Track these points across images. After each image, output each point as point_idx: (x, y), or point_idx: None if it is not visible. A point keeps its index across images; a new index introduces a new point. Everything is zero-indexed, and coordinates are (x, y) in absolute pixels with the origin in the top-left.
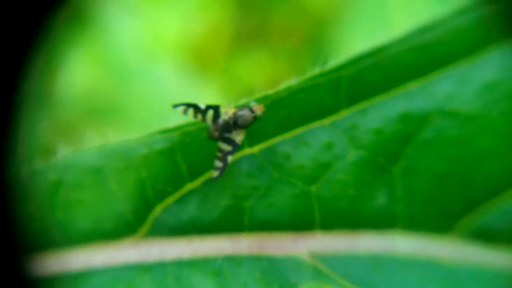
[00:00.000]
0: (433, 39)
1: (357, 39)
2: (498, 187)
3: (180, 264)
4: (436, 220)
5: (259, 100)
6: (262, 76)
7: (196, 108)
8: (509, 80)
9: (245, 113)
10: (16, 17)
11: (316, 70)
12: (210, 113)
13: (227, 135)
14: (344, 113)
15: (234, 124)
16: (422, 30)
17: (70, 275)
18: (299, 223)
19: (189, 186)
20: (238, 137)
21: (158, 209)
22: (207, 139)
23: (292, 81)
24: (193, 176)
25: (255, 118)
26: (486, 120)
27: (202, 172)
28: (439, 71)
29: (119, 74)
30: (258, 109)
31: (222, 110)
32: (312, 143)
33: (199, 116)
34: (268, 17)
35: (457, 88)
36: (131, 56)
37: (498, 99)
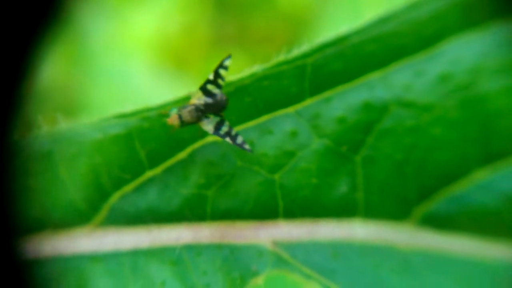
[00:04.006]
0: (391, 31)
1: None
2: (451, 176)
3: (137, 254)
4: (394, 207)
5: (224, 87)
6: None
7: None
8: (461, 73)
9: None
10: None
11: (281, 57)
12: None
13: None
14: (308, 102)
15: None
16: (382, 21)
17: (17, 264)
18: (262, 211)
19: (148, 174)
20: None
21: (114, 197)
22: (167, 126)
23: (256, 68)
24: (153, 164)
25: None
26: (440, 111)
27: (163, 160)
28: (398, 62)
29: (92, 72)
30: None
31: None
32: (276, 131)
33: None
34: (247, 22)
35: (414, 79)
36: (105, 55)
37: (451, 91)
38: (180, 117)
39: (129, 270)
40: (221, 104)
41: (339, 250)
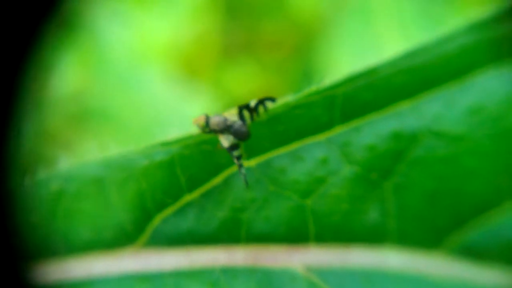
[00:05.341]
0: (422, 63)
1: (343, 52)
2: (484, 205)
3: (179, 275)
4: (425, 235)
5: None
6: (251, 87)
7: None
8: (492, 105)
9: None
10: (11, 24)
11: (313, 88)
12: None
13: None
14: (339, 130)
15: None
16: (412, 54)
17: (71, 283)
18: (294, 236)
19: (187, 198)
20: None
21: (157, 220)
22: (205, 153)
23: (289, 98)
24: (191, 188)
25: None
26: (471, 141)
27: (200, 184)
28: (428, 93)
29: (107, 79)
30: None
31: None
32: (307, 158)
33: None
34: (257, 30)
35: (444, 109)
36: (121, 62)
37: (482, 122)
38: (207, 119)
39: None
40: (240, 132)
41: (372, 277)
